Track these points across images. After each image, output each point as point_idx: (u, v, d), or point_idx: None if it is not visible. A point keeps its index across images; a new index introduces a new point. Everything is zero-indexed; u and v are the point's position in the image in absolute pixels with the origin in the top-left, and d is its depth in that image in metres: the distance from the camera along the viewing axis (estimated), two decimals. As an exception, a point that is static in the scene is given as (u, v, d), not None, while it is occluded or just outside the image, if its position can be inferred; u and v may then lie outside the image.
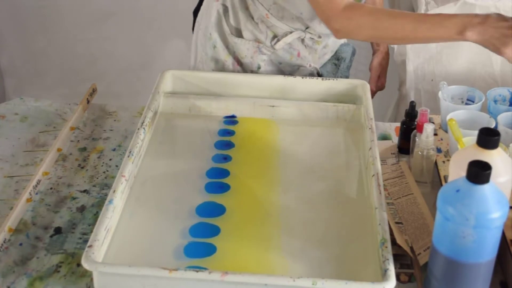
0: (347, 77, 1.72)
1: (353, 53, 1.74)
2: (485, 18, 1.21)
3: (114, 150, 1.47)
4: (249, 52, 1.59)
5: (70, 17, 3.03)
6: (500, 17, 1.22)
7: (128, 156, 1.25)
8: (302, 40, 1.58)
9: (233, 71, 1.62)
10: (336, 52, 1.70)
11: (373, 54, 1.75)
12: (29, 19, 3.03)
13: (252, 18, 1.56)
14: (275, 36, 1.57)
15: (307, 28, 1.55)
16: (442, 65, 1.92)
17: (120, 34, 3.01)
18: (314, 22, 1.53)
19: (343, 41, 1.71)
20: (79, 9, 3.03)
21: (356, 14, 1.34)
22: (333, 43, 1.66)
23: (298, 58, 1.60)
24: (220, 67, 1.63)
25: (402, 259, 1.16)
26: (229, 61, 1.61)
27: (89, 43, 3.05)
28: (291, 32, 1.55)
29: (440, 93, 1.49)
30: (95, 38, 3.03)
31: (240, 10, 1.56)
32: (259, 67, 1.60)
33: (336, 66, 1.68)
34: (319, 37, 1.58)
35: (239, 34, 1.59)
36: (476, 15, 1.22)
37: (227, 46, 1.61)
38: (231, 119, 1.49)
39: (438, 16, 1.28)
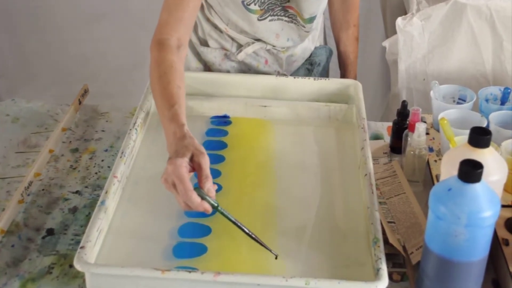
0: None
1: (330, 55, 1.75)
2: (168, 161, 1.11)
3: (106, 151, 1.47)
4: (217, 59, 1.60)
5: (62, 18, 3.03)
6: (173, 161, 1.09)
7: (120, 157, 1.25)
8: (268, 50, 1.58)
9: None
10: (310, 56, 1.69)
11: (341, 77, 1.76)
12: (21, 20, 3.03)
13: (216, 27, 1.57)
14: (240, 45, 1.58)
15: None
16: (434, 64, 1.92)
17: (112, 34, 3.01)
18: (270, 39, 1.55)
19: (312, 47, 1.69)
20: (71, 10, 3.02)
21: (152, 52, 1.32)
22: (302, 51, 1.64)
23: (265, 66, 1.61)
24: None
25: (395, 258, 1.16)
26: (200, 69, 1.64)
27: (81, 44, 3.04)
28: (253, 42, 1.56)
29: (431, 93, 1.49)
30: (87, 39, 3.03)
31: (203, 21, 1.57)
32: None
33: (309, 71, 1.68)
34: (282, 47, 1.59)
35: (205, 43, 1.61)
36: (176, 151, 1.12)
37: (196, 53, 1.63)
38: (223, 119, 1.49)
39: (169, 117, 1.20)
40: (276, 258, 1.08)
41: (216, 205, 1.09)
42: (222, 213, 1.10)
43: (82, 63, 3.01)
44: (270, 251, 1.08)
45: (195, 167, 1.10)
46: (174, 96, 1.22)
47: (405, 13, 2.00)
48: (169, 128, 1.18)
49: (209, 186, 1.09)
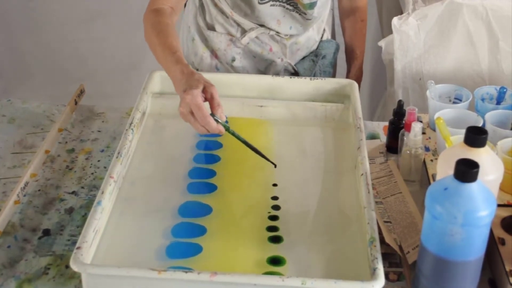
0: (329, 73, 1.74)
1: (337, 49, 1.76)
2: (184, 93, 1.23)
3: (102, 151, 1.46)
4: (222, 44, 1.65)
5: (58, 17, 3.03)
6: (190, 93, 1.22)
7: (117, 157, 1.24)
8: (272, 36, 1.62)
9: (210, 64, 1.68)
10: (317, 48, 1.72)
11: (347, 72, 1.80)
12: (17, 20, 3.02)
13: (223, 12, 1.61)
14: (244, 30, 1.62)
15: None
16: (430, 64, 1.92)
17: (108, 34, 3.01)
18: (272, 24, 1.59)
19: (317, 38, 1.71)
20: (68, 9, 3.02)
21: (146, 18, 1.45)
22: (306, 40, 1.68)
23: (270, 53, 1.65)
24: (199, 60, 1.69)
25: (391, 257, 1.17)
26: (206, 54, 1.68)
27: (78, 44, 3.04)
28: (257, 27, 1.60)
29: (428, 92, 1.49)
30: (83, 39, 3.02)
31: (211, 6, 1.63)
32: (233, 60, 1.65)
33: (314, 62, 1.69)
34: (285, 34, 1.62)
35: (212, 28, 1.65)
36: (189, 85, 1.24)
37: (204, 39, 1.67)
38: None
39: (173, 60, 1.31)
40: (275, 167, 1.30)
41: (228, 126, 1.27)
42: (233, 134, 1.28)
43: (78, 63, 3.01)
44: (272, 162, 1.30)
45: (207, 97, 1.25)
46: (175, 46, 1.35)
47: (401, 13, 2.00)
48: (175, 69, 1.30)
49: (221, 113, 1.25)
